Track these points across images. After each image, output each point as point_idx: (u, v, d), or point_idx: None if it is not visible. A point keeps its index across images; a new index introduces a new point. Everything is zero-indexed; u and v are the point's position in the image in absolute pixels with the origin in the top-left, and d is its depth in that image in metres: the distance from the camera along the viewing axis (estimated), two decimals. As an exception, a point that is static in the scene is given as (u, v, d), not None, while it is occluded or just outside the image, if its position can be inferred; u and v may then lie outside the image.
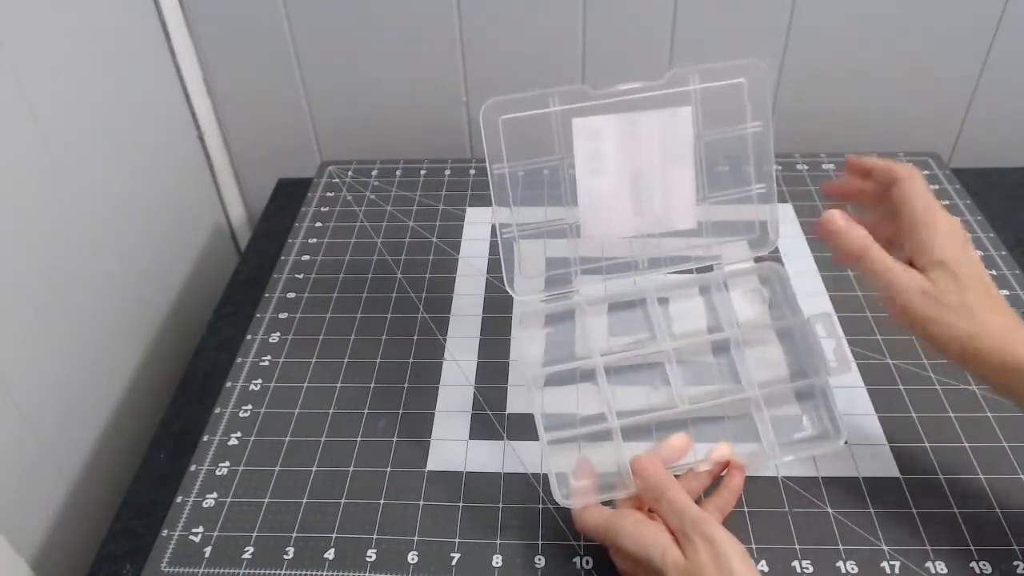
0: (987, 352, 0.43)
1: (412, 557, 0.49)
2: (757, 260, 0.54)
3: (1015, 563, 0.47)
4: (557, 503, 0.47)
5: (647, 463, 0.46)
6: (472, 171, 0.83)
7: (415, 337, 0.64)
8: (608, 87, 0.50)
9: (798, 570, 0.47)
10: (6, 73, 0.59)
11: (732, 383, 0.52)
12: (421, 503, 0.52)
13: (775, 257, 0.52)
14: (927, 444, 0.54)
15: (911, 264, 0.46)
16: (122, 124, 0.75)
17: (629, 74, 0.85)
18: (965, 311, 0.44)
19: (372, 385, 0.61)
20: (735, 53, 0.82)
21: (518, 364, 0.52)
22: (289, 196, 0.83)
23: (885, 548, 0.48)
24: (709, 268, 0.55)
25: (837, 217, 0.47)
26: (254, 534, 0.51)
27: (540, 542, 0.50)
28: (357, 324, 0.66)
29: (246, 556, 0.50)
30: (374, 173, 0.84)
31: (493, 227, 0.75)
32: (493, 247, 0.73)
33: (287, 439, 0.57)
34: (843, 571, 0.47)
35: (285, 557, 0.50)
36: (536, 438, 0.55)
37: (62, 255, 0.65)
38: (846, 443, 0.54)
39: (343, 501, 0.53)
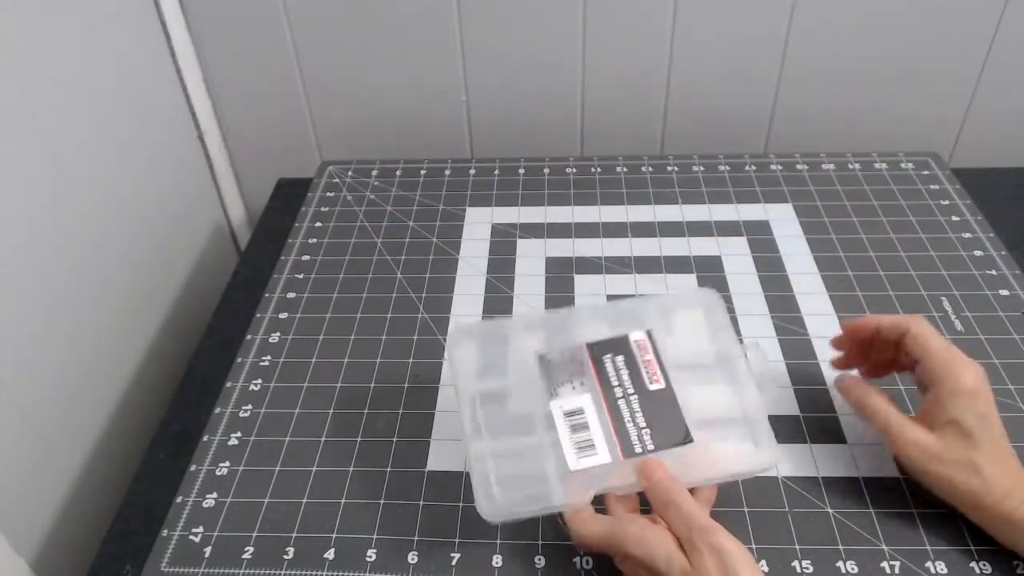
0: (988, 507, 0.45)
1: (412, 557, 0.49)
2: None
3: (1015, 563, 0.47)
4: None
5: (657, 466, 0.46)
6: (472, 171, 0.83)
7: (415, 337, 0.64)
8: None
9: (798, 570, 0.47)
10: (6, 73, 0.59)
11: None
12: (421, 503, 0.52)
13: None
14: (927, 444, 0.54)
15: (931, 409, 0.47)
16: (122, 124, 0.75)
17: (629, 70, 0.85)
18: (971, 467, 0.45)
19: (372, 385, 0.61)
20: (735, 52, 0.84)
21: (452, 383, 0.51)
22: (289, 196, 0.83)
23: (885, 548, 0.48)
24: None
25: (845, 380, 0.52)
26: (254, 534, 0.51)
27: (540, 542, 0.50)
28: (357, 324, 0.66)
29: (246, 556, 0.50)
30: (374, 173, 0.84)
31: (493, 227, 0.75)
32: (493, 247, 0.73)
33: (287, 439, 0.57)
34: (843, 571, 0.47)
35: (285, 557, 0.50)
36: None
37: (62, 255, 0.65)
38: (848, 444, 0.54)
39: (343, 501, 0.53)
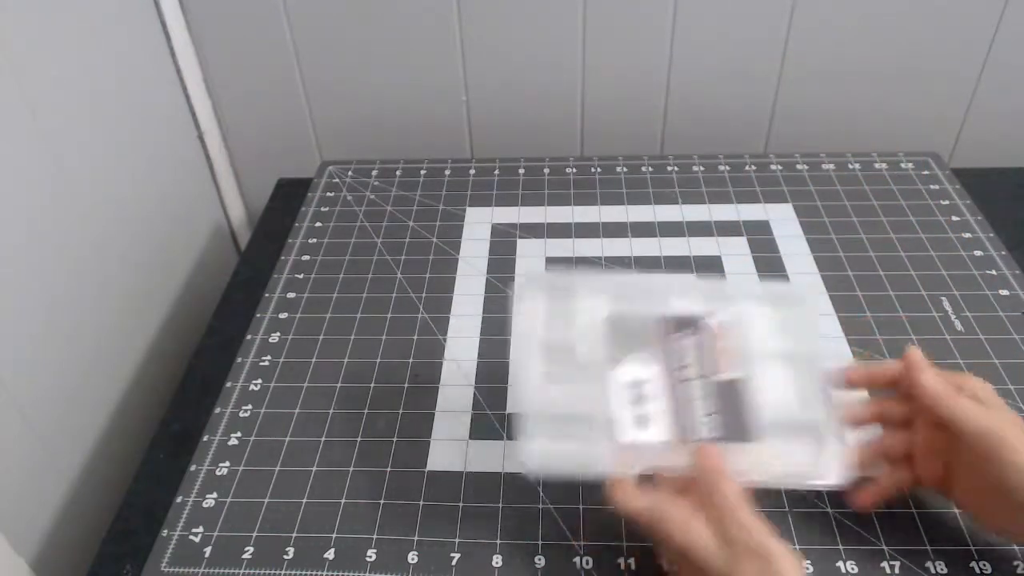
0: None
1: (412, 557, 0.49)
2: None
3: (1015, 563, 0.47)
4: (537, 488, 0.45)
5: (712, 453, 0.43)
6: (472, 171, 0.83)
7: (415, 337, 0.64)
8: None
9: (798, 570, 0.47)
10: (6, 73, 0.59)
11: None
12: (421, 503, 0.52)
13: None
14: (927, 444, 0.54)
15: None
16: (122, 124, 0.75)
17: (629, 70, 0.85)
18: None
19: (372, 385, 0.61)
20: (735, 52, 0.84)
21: (517, 336, 0.49)
22: (289, 196, 0.83)
23: (885, 548, 0.48)
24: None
25: (920, 355, 0.47)
26: (254, 534, 0.51)
27: (540, 542, 0.50)
28: (357, 324, 0.66)
29: (246, 556, 0.50)
30: (374, 173, 0.84)
31: (493, 227, 0.75)
32: (493, 247, 0.73)
33: (287, 439, 0.57)
34: (843, 571, 0.47)
35: (285, 557, 0.50)
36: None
37: (62, 255, 0.65)
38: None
39: (343, 501, 0.53)
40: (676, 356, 0.47)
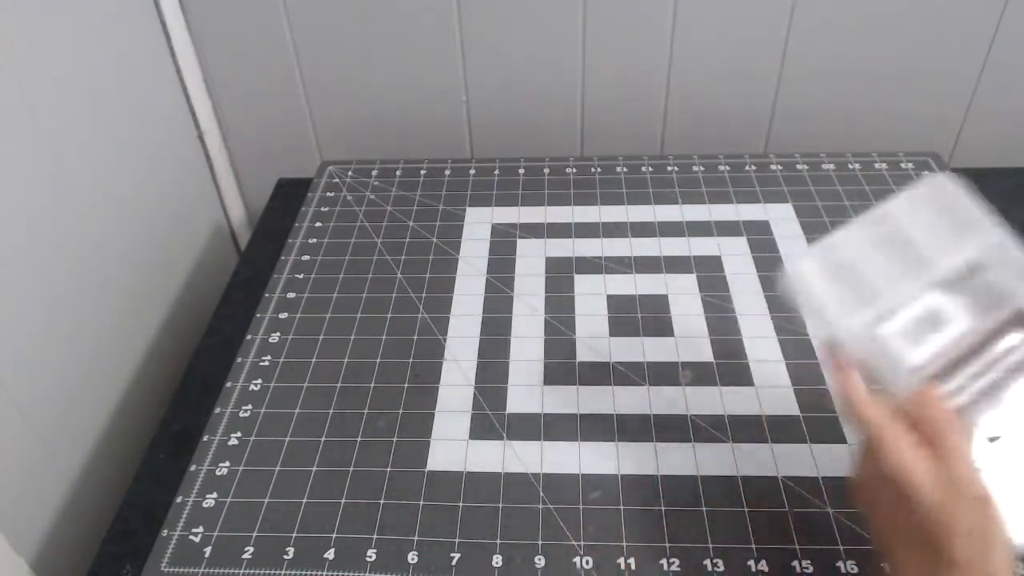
0: None
1: (412, 557, 0.49)
2: None
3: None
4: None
5: (945, 401, 0.40)
6: (472, 171, 0.83)
7: (415, 337, 0.64)
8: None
9: (798, 570, 0.47)
10: (6, 73, 0.59)
11: None
12: (421, 503, 0.52)
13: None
14: (927, 444, 0.54)
15: None
16: (122, 124, 0.75)
17: (629, 70, 0.85)
18: None
19: (372, 385, 0.61)
20: (735, 52, 0.84)
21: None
22: (289, 196, 0.83)
23: (885, 548, 0.48)
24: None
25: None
26: (254, 534, 0.51)
27: (540, 542, 0.50)
28: (357, 324, 0.66)
29: (246, 556, 0.50)
30: (374, 173, 0.84)
31: (493, 227, 0.75)
32: (493, 247, 0.73)
33: (287, 439, 0.57)
34: (843, 571, 0.47)
35: (285, 557, 0.50)
36: (536, 438, 0.56)
37: (62, 255, 0.65)
38: (848, 444, 0.54)
39: (343, 501, 0.53)
40: (996, 336, 0.43)
